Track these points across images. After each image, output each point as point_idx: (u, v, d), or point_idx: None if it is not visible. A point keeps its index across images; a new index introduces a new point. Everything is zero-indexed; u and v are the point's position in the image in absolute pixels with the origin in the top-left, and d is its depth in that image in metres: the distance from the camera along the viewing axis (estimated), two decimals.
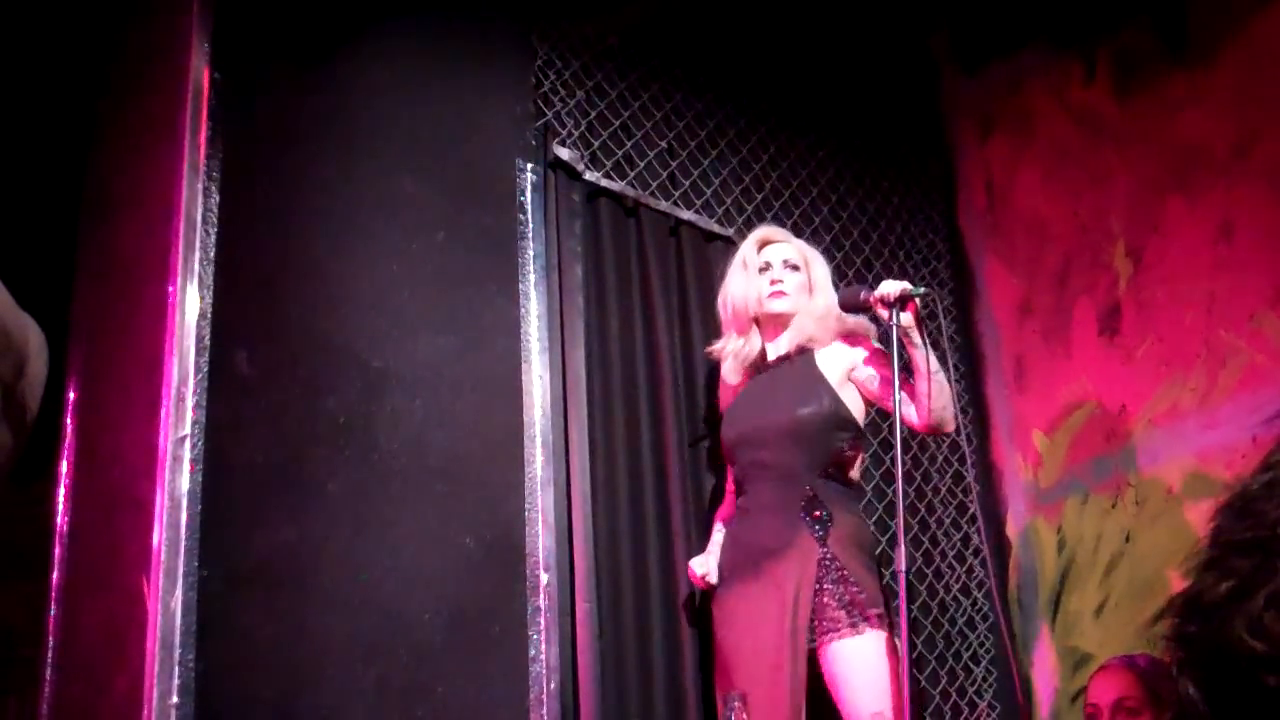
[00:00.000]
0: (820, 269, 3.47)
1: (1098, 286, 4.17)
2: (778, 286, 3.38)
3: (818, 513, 3.12)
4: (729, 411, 3.42)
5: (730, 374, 3.45)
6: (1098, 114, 4.27)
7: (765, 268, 3.43)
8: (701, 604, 3.38)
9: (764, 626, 3.07)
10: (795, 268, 3.42)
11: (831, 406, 3.23)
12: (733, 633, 3.15)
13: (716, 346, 3.51)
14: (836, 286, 3.48)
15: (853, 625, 3.00)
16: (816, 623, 3.03)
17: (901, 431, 2.98)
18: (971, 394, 4.37)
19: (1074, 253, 4.28)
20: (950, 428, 3.22)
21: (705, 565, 3.29)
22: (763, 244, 3.49)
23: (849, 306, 3.29)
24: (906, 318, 3.08)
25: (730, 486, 3.42)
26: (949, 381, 3.27)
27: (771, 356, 3.41)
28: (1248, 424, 3.66)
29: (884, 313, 3.10)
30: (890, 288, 3.10)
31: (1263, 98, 3.75)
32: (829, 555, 3.07)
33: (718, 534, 3.39)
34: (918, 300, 3.11)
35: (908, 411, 3.17)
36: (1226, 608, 0.90)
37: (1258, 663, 0.87)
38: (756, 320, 3.44)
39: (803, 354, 3.34)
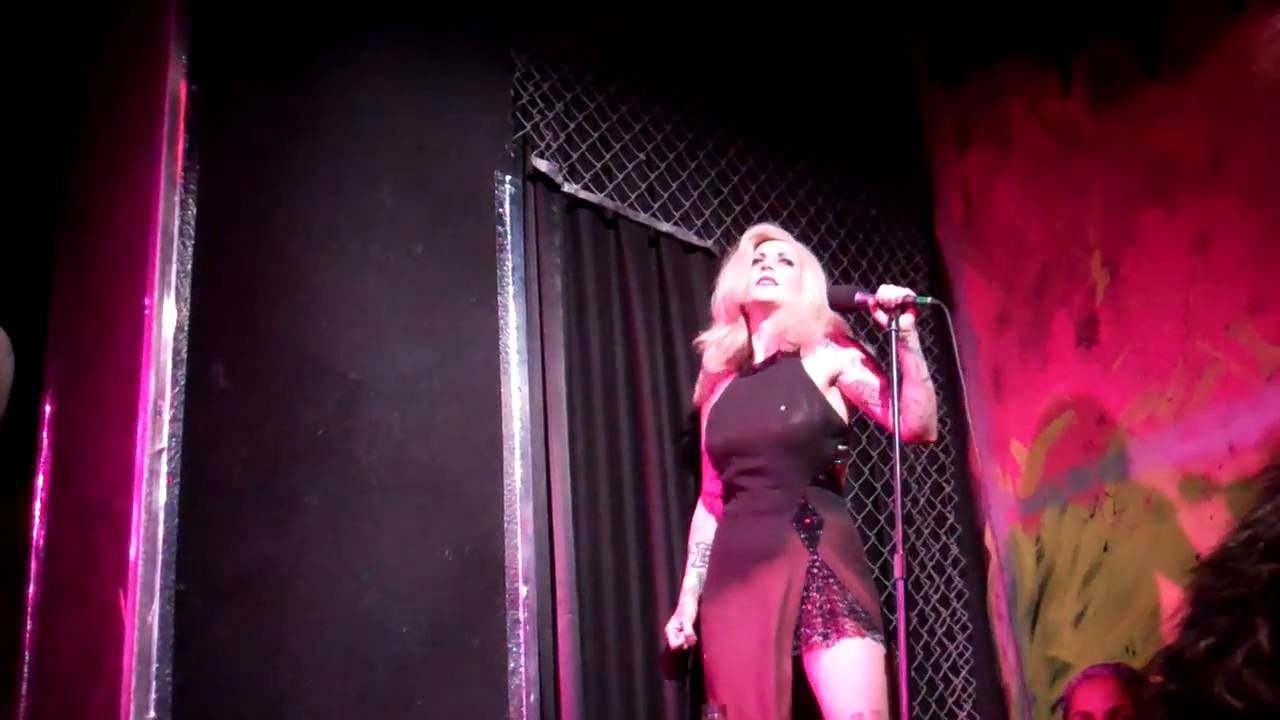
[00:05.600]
0: (813, 273, 3.45)
1: (1075, 297, 4.19)
2: (767, 274, 3.38)
3: (808, 520, 3.12)
4: (713, 417, 3.40)
5: (711, 362, 3.44)
6: (1074, 126, 4.29)
7: (759, 259, 3.43)
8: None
9: (749, 636, 3.07)
10: (789, 263, 3.43)
11: (822, 413, 3.22)
12: (718, 642, 3.14)
13: (702, 336, 3.52)
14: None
15: (837, 631, 3.00)
16: (802, 630, 3.03)
17: (895, 441, 2.96)
18: (950, 405, 4.37)
19: (1051, 264, 4.30)
20: (932, 437, 3.23)
21: (678, 633, 3.25)
22: (760, 239, 3.50)
23: (839, 306, 3.28)
24: (908, 320, 3.07)
25: (713, 488, 3.40)
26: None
27: (759, 356, 3.40)
28: (1224, 433, 3.68)
29: (882, 317, 3.09)
30: (891, 293, 3.07)
31: (1237, 109, 3.78)
32: (818, 562, 3.07)
33: (696, 544, 3.38)
34: (919, 307, 3.10)
35: (890, 418, 3.18)
36: (1206, 665, 0.90)
37: None
38: (744, 311, 3.45)
39: (789, 358, 3.33)
